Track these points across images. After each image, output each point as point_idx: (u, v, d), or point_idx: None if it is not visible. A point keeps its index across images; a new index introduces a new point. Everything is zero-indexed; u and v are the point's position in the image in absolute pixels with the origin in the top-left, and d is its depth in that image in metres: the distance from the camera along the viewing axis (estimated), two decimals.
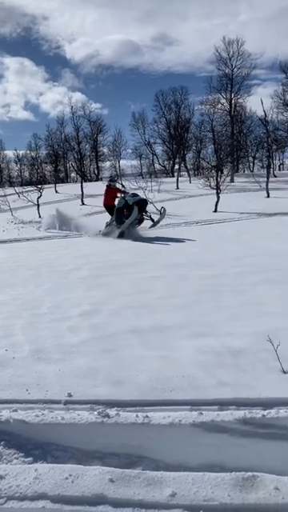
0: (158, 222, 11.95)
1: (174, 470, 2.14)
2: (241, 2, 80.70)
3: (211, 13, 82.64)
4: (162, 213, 11.91)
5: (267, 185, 21.17)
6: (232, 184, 26.17)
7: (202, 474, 2.07)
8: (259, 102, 23.65)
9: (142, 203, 11.28)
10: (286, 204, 16.56)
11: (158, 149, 46.50)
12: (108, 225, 12.02)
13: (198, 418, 2.41)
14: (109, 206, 12.31)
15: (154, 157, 47.46)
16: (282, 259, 6.86)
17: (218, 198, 16.49)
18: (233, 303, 4.57)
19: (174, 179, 29.92)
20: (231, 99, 37.28)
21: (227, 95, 37.34)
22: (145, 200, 11.73)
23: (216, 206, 16.28)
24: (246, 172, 42.10)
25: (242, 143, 41.81)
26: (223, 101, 37.68)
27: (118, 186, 13.45)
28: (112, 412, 2.54)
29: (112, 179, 13.44)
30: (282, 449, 2.23)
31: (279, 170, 44.87)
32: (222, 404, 2.54)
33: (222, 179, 18.26)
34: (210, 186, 17.76)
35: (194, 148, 45.78)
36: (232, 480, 2.00)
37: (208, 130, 40.96)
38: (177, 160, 40.39)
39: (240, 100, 37.82)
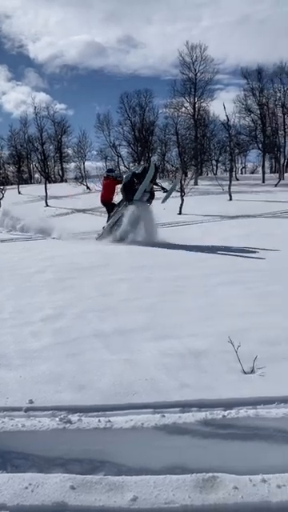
0: (173, 189, 10.17)
1: (136, 474, 2.14)
2: (203, 7, 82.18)
3: (175, 17, 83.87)
4: (177, 176, 10.45)
5: (230, 188, 21.67)
6: (196, 187, 26.58)
7: (163, 476, 2.08)
8: (222, 106, 24.23)
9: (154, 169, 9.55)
10: (248, 207, 16.98)
11: (123, 151, 46.46)
12: (111, 216, 10.54)
13: (160, 420, 2.42)
14: (108, 202, 10.83)
15: (120, 159, 47.48)
16: (244, 260, 7.03)
17: (182, 200, 16.69)
18: (196, 304, 4.63)
19: None
20: (195, 103, 37.93)
21: (191, 99, 37.99)
22: (155, 166, 9.95)
23: (180, 208, 16.47)
24: (209, 175, 42.93)
25: (205, 147, 42.56)
26: (187, 104, 38.31)
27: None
28: (74, 418, 2.51)
29: (110, 169, 11.83)
30: (241, 449, 2.28)
31: (241, 173, 46.07)
32: (184, 406, 2.56)
33: (186, 182, 18.53)
34: None
35: (158, 151, 46.16)
36: (193, 481, 2.02)
37: (172, 133, 41.39)
38: (142, 162, 40.55)
39: (203, 104, 38.67)
